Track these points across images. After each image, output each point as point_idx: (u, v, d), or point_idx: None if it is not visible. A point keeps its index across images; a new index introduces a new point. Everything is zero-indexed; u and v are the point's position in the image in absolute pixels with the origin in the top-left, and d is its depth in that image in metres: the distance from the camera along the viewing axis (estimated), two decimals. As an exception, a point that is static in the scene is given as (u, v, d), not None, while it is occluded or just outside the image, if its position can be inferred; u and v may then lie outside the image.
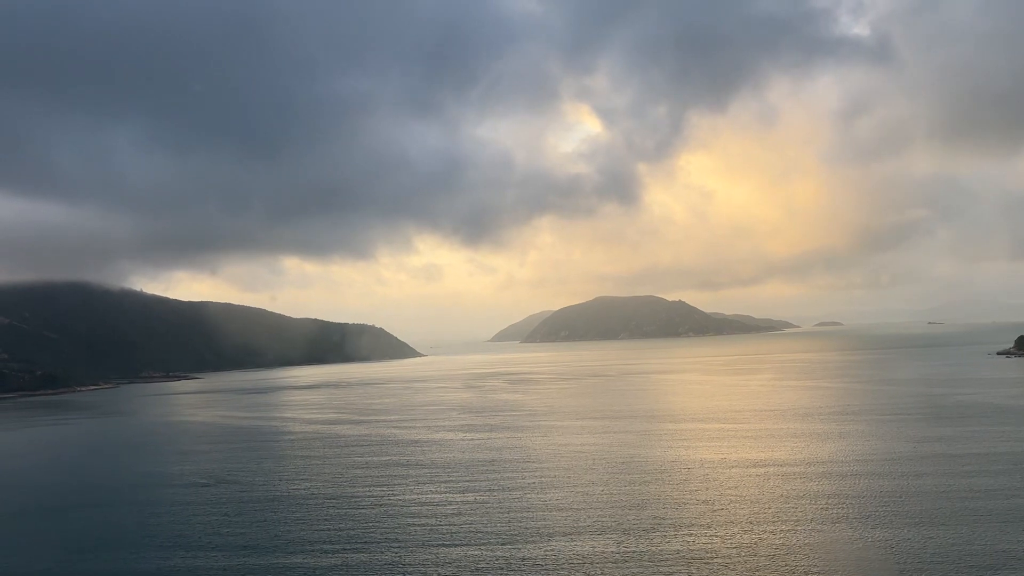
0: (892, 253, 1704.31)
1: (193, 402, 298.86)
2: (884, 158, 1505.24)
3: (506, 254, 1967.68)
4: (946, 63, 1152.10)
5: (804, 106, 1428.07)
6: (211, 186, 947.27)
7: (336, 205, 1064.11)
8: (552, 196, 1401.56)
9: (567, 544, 79.41)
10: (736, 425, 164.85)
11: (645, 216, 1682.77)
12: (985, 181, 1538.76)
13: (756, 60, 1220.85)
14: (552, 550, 77.71)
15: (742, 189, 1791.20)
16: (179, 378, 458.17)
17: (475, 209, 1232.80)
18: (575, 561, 74.36)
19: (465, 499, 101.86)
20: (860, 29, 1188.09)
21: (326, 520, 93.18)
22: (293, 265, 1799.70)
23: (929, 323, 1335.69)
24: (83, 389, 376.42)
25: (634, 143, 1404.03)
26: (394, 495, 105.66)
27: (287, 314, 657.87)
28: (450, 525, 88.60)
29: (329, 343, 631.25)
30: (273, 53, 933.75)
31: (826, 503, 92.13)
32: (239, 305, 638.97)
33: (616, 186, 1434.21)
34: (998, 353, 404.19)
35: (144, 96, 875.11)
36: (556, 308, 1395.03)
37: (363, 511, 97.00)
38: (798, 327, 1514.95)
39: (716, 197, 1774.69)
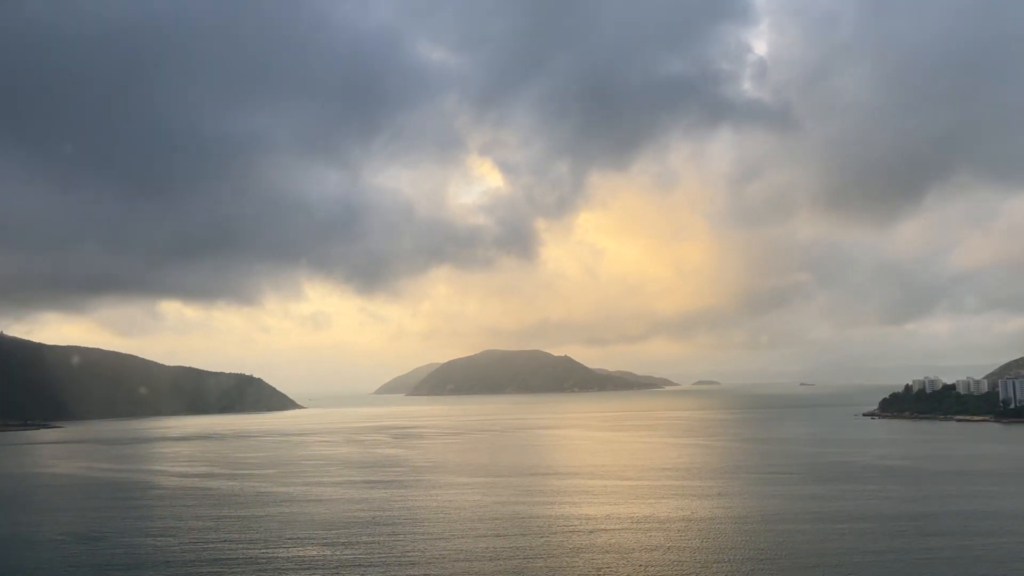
0: (772, 315, 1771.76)
1: (53, 453, 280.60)
2: (771, 223, 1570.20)
3: (400, 304, 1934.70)
4: (834, 133, 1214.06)
5: (701, 169, 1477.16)
6: (89, 224, 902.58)
7: (223, 248, 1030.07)
8: (450, 247, 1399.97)
9: (449, 605, 77.17)
10: (619, 482, 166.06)
11: (541, 271, 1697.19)
12: (862, 249, 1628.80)
13: (661, 120, 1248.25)
14: (434, 612, 75.33)
15: (635, 248, 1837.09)
16: (38, 427, 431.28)
17: (371, 257, 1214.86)
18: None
19: (343, 558, 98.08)
20: (762, 94, 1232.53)
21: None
22: (173, 309, 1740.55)
23: (801, 384, 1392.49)
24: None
25: (534, 198, 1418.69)
26: (268, 554, 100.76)
27: (161, 362, 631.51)
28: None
29: (204, 393, 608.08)
30: (163, 87, 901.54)
31: (706, 558, 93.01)
32: (109, 351, 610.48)
33: (514, 240, 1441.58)
34: (864, 414, 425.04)
35: (22, 128, 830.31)
36: (444, 360, 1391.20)
37: (234, 567, 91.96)
38: (678, 385, 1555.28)
39: (610, 255, 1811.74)
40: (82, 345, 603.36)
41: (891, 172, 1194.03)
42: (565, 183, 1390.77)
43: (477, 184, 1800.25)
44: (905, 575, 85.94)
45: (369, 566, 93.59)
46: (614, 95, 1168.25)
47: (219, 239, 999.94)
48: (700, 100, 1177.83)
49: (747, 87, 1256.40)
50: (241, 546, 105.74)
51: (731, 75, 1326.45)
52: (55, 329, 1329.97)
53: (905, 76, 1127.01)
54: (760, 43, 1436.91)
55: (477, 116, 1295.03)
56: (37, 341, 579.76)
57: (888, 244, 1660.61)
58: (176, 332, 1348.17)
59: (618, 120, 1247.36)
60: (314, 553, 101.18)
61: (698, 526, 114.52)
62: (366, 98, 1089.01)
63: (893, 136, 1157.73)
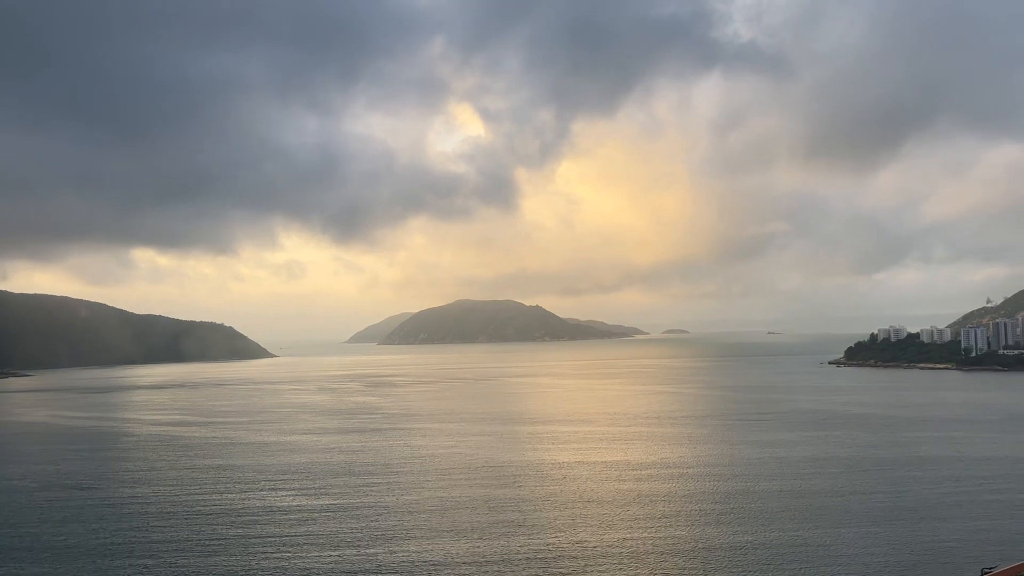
0: (746, 265, 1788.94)
1: (25, 401, 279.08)
2: (751, 171, 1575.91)
3: (376, 254, 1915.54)
4: (822, 79, 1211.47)
5: (685, 116, 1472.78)
6: (59, 169, 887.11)
7: (198, 195, 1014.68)
8: (428, 196, 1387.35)
9: (423, 548, 78.50)
10: (590, 428, 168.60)
11: (519, 222, 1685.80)
12: (839, 198, 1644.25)
13: (650, 64, 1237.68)
14: (407, 554, 76.67)
15: (614, 198, 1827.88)
16: (8, 375, 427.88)
17: (349, 206, 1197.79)
18: (431, 565, 73.64)
19: (318, 504, 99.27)
20: (755, 36, 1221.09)
21: (169, 527, 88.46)
22: (145, 257, 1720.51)
23: (769, 333, 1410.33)
24: None
25: (516, 147, 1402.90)
26: (243, 500, 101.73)
27: (133, 311, 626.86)
28: (302, 531, 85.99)
29: (176, 342, 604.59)
30: (135, 27, 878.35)
31: (677, 504, 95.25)
32: (79, 299, 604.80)
33: (494, 190, 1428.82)
34: (830, 362, 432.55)
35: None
36: (416, 310, 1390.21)
37: (209, 516, 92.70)
38: (647, 334, 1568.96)
39: (588, 205, 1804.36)
40: (53, 294, 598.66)
41: (874, 119, 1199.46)
42: (548, 131, 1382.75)
43: (458, 131, 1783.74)
44: (869, 517, 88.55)
45: (343, 514, 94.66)
46: (604, 37, 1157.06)
47: (194, 185, 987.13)
48: (691, 43, 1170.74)
49: (740, 29, 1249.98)
50: (215, 495, 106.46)
51: (723, 16, 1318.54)
52: (25, 277, 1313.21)
53: (898, 22, 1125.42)
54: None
55: (463, 61, 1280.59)
56: (6, 290, 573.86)
57: (864, 194, 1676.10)
58: (149, 281, 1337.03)
59: (607, 64, 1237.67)
60: (288, 501, 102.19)
61: (669, 471, 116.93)
62: (348, 41, 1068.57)
63: (879, 83, 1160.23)
